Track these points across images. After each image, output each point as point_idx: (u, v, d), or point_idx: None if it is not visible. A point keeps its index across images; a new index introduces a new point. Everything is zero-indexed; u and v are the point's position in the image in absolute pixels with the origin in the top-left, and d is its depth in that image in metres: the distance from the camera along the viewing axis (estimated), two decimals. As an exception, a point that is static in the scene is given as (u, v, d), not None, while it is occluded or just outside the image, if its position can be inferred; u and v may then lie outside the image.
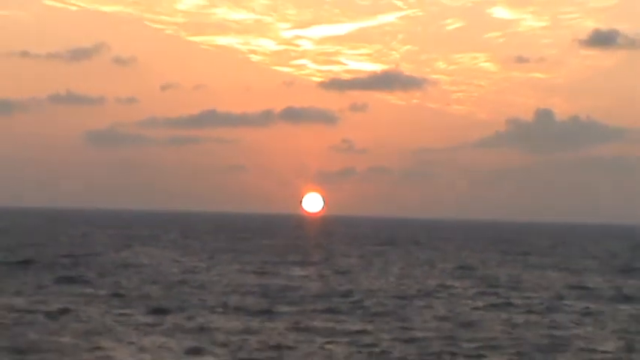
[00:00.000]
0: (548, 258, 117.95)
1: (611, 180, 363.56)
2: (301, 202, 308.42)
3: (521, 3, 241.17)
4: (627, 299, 62.96)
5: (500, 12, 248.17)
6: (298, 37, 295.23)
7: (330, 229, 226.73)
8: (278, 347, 37.86)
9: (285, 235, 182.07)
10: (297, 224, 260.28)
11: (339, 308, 53.05)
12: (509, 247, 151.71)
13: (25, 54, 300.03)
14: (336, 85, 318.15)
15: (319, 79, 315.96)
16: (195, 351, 36.49)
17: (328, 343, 39.54)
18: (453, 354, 37.70)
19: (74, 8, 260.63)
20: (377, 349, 38.26)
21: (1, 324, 42.09)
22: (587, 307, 56.81)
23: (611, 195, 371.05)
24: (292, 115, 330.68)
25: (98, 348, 36.30)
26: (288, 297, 58.48)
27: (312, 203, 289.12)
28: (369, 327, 45.27)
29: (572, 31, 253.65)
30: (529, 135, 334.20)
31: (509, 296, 62.58)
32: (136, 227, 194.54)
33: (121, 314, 46.91)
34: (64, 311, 47.03)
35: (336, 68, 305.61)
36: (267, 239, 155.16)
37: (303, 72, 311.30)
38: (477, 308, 54.80)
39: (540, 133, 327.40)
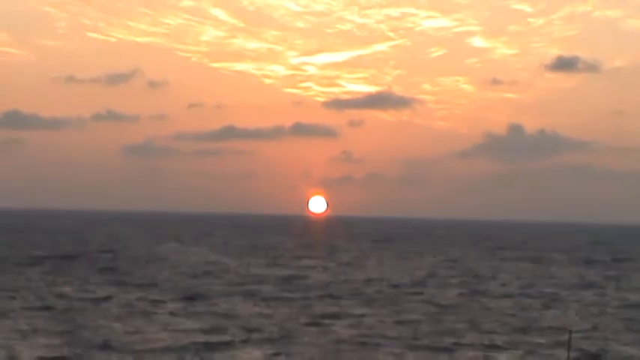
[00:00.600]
0: (521, 251, 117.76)
1: (573, 185, 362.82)
2: (308, 204, 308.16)
3: (495, 34, 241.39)
4: (589, 286, 63.03)
5: (477, 41, 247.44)
6: (304, 63, 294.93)
7: (333, 228, 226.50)
8: (290, 329, 37.92)
9: (295, 233, 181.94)
10: (304, 224, 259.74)
11: (342, 295, 53.06)
12: (487, 242, 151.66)
13: (71, 79, 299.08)
14: (337, 104, 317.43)
15: (322, 99, 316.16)
16: (220, 332, 36.55)
17: (332, 325, 39.48)
18: (440, 333, 37.81)
19: (113, 39, 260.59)
20: (375, 330, 38.38)
21: (54, 310, 42.22)
22: (555, 293, 56.94)
23: (573, 197, 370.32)
24: (300, 130, 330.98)
25: (137, 330, 36.41)
26: (299, 285, 58.62)
27: (318, 205, 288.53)
28: (368, 311, 45.23)
29: (539, 58, 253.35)
30: (503, 146, 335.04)
31: (487, 284, 62.70)
32: (166, 226, 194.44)
33: (154, 300, 46.96)
34: (107, 298, 47.15)
35: (336, 90, 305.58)
36: (279, 236, 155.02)
37: (308, 93, 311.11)
38: (460, 294, 54.89)
39: (512, 144, 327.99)
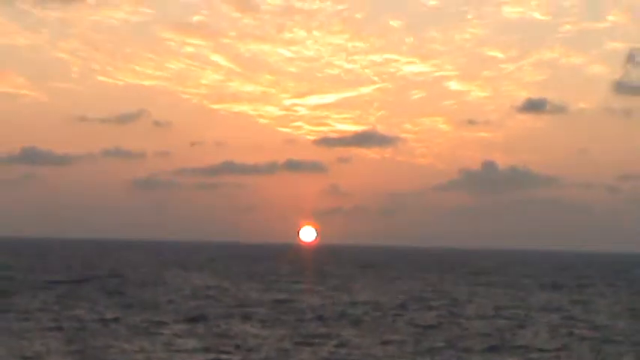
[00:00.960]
0: (494, 277, 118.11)
1: (541, 216, 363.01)
2: (299, 233, 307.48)
3: (470, 78, 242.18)
4: (557, 309, 63.15)
5: (454, 85, 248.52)
6: (296, 104, 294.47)
7: (322, 255, 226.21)
8: (284, 348, 37.85)
9: (288, 260, 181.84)
10: (296, 251, 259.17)
11: (331, 317, 52.99)
12: (462, 268, 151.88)
13: (82, 118, 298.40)
14: (326, 142, 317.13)
15: (313, 138, 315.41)
16: (219, 352, 36.46)
17: (323, 344, 39.42)
18: (422, 352, 37.81)
19: (121, 83, 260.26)
20: (362, 350, 38.34)
21: (67, 330, 42.10)
22: (526, 315, 57.00)
23: (541, 227, 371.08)
24: (292, 166, 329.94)
25: (142, 350, 36.34)
26: (291, 308, 58.52)
27: (308, 234, 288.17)
28: (355, 331, 45.21)
29: (510, 100, 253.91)
30: (477, 181, 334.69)
31: (464, 306, 62.77)
32: (169, 254, 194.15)
33: (159, 322, 46.80)
34: (115, 320, 46.92)
35: (325, 129, 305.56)
36: (274, 263, 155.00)
37: (300, 132, 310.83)
38: (439, 316, 54.90)
39: (486, 179, 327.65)
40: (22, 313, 49.70)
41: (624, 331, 48.82)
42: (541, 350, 40.24)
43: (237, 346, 38.17)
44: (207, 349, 36.68)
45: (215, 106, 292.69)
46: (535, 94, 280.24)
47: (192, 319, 48.61)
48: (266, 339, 40.84)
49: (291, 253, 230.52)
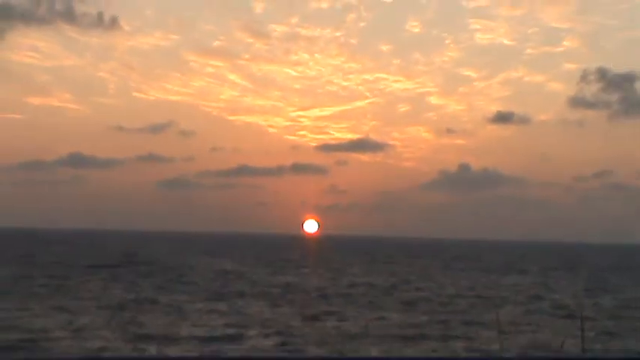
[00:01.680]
0: (470, 262, 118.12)
1: (508, 210, 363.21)
2: (303, 225, 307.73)
3: (447, 94, 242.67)
4: (523, 290, 63.08)
5: (434, 100, 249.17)
6: (300, 116, 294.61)
7: (323, 244, 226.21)
8: (293, 324, 37.98)
9: (294, 248, 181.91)
10: (300, 241, 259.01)
11: (332, 296, 53.16)
12: (443, 255, 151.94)
13: (120, 128, 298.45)
14: (326, 148, 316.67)
15: (315, 144, 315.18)
16: (237, 326, 36.54)
17: (326, 320, 39.57)
18: (408, 325, 37.90)
19: (152, 98, 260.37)
20: (358, 323, 38.38)
21: (109, 308, 42.01)
22: (498, 295, 56.87)
23: (509, 220, 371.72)
24: (297, 168, 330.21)
25: (173, 324, 36.44)
26: (298, 289, 58.81)
27: (311, 226, 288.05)
28: (353, 308, 45.35)
29: (481, 112, 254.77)
30: (454, 181, 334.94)
31: (444, 287, 62.84)
32: (194, 243, 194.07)
33: (187, 301, 46.81)
34: (150, 299, 46.99)
35: (325, 137, 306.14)
36: (282, 250, 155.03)
37: (304, 139, 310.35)
38: (423, 295, 54.83)
39: (462, 179, 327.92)
40: (73, 292, 49.92)
41: (581, 307, 48.92)
42: (512, 323, 40.35)
43: (254, 322, 38.32)
44: (227, 325, 36.81)
45: (231, 118, 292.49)
46: (503, 108, 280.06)
47: (215, 299, 48.83)
48: (277, 316, 41.08)
49: (297, 242, 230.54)
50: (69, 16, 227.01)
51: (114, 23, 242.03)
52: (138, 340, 31.20)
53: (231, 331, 34.69)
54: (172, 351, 29.32)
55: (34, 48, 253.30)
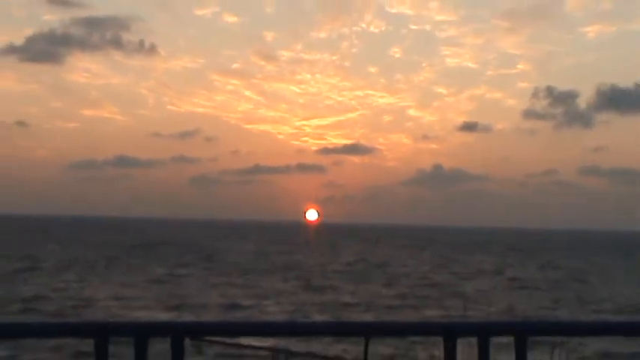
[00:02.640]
0: (442, 245, 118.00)
1: (475, 202, 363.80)
2: (305, 214, 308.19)
3: (423, 107, 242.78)
4: (488, 267, 63.07)
5: (412, 112, 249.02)
6: (304, 125, 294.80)
7: (322, 230, 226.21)
8: (300, 295, 37.88)
9: (299, 232, 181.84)
10: (303, 227, 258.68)
11: (331, 271, 53.29)
12: (418, 241, 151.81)
13: (157, 134, 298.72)
14: (325, 151, 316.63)
15: (315, 148, 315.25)
16: (257, 298, 36.49)
17: (326, 292, 39.45)
18: (394, 296, 37.92)
19: (183, 110, 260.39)
20: (355, 295, 38.40)
21: (151, 282, 42.08)
22: (467, 271, 56.48)
23: (475, 210, 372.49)
24: (301, 168, 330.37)
25: (201, 294, 36.42)
26: (303, 266, 58.64)
27: (312, 215, 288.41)
28: (350, 282, 45.24)
29: (451, 123, 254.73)
30: (430, 178, 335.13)
31: (424, 264, 62.67)
32: (217, 229, 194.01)
33: (215, 275, 46.94)
34: (183, 275, 46.85)
35: (324, 142, 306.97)
36: (290, 233, 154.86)
37: (306, 144, 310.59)
38: (407, 271, 54.90)
39: (436, 177, 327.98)
40: (120, 268, 49.98)
41: (536, 280, 48.93)
42: (479, 291, 40.33)
43: (268, 291, 38.31)
44: (246, 296, 36.64)
45: (247, 126, 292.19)
46: (469, 119, 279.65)
47: (238, 274, 48.84)
48: (287, 289, 41.01)
49: (301, 228, 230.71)
50: (116, 43, 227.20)
51: (152, 49, 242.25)
52: (174, 308, 31.28)
53: (251, 302, 34.49)
54: (203, 317, 29.44)
55: (87, 69, 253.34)
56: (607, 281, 50.26)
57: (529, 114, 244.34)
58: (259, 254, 73.13)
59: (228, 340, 3.28)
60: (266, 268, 54.10)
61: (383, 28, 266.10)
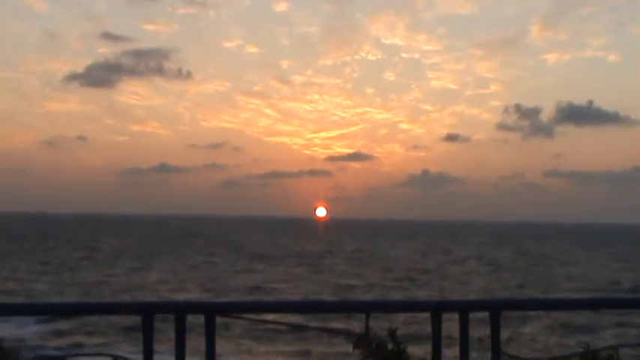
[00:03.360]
0: (429, 237, 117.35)
1: (457, 201, 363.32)
2: (315, 211, 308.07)
3: (413, 121, 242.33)
4: (470, 254, 62.68)
5: (404, 126, 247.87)
6: (313, 137, 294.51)
7: (331, 224, 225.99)
8: (309, 276, 37.74)
9: (312, 227, 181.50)
10: (313, 222, 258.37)
11: (337, 256, 53.11)
12: (412, 231, 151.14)
13: (193, 146, 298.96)
14: (332, 159, 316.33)
15: (323, 156, 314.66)
16: (270, 281, 36.35)
17: (333, 273, 39.39)
18: (384, 276, 37.74)
19: (213, 125, 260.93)
20: (351, 273, 38.14)
21: (188, 267, 41.84)
22: (451, 258, 56.21)
23: (456, 207, 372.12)
24: (312, 173, 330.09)
25: (225, 277, 36.28)
26: (314, 254, 58.23)
27: (321, 212, 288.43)
28: (351, 264, 45.09)
29: (437, 134, 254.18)
30: (419, 182, 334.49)
31: (416, 250, 62.35)
32: (240, 225, 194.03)
33: (236, 261, 46.69)
34: (211, 262, 46.47)
35: (331, 151, 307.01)
36: (302, 226, 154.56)
37: (316, 153, 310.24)
38: (395, 257, 54.62)
39: (424, 180, 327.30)
40: (163, 255, 49.80)
41: (506, 264, 48.36)
42: (462, 273, 39.93)
43: (282, 274, 38.18)
44: (270, 280, 36.40)
45: (267, 139, 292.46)
46: (451, 131, 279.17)
47: (256, 261, 48.57)
48: (299, 273, 40.83)
49: (312, 223, 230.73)
50: (159, 70, 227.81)
51: (189, 75, 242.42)
52: (205, 291, 31.21)
53: (266, 283, 34.30)
54: (232, 297, 29.31)
55: (135, 92, 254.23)
56: (566, 264, 49.92)
57: (501, 126, 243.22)
58: (278, 245, 72.92)
59: (252, 316, 3.29)
60: (284, 255, 53.86)
61: (379, 57, 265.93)
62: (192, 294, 29.85)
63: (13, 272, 36.26)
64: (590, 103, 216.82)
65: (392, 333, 3.01)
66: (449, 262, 51.04)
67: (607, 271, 43.58)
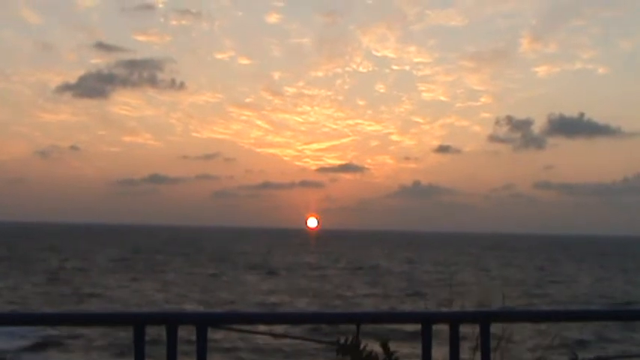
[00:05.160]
0: (424, 248, 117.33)
1: (447, 212, 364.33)
2: (307, 222, 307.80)
3: (404, 132, 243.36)
4: (456, 262, 62.62)
5: (394, 137, 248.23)
6: (305, 149, 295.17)
7: (322, 235, 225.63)
8: (302, 284, 37.66)
9: (304, 237, 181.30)
10: (304, 233, 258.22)
11: (328, 267, 53.05)
12: (404, 242, 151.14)
13: (185, 157, 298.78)
14: (323, 170, 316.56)
15: (315, 168, 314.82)
16: (277, 293, 36.17)
17: (325, 281, 39.30)
18: (373, 281, 37.65)
19: (205, 136, 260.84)
20: (340, 280, 38.00)
21: (192, 281, 41.64)
22: (440, 269, 56.41)
23: (446, 219, 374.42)
24: (303, 184, 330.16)
25: (230, 288, 36.03)
26: (304, 265, 58.38)
27: (312, 223, 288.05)
28: (343, 272, 44.92)
29: (428, 146, 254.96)
30: (409, 193, 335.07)
31: (410, 261, 62.41)
32: (237, 235, 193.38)
33: (237, 273, 46.41)
34: (212, 274, 45.27)
35: (322, 163, 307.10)
36: (295, 238, 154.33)
37: (307, 164, 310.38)
38: (386, 265, 54.44)
39: (415, 191, 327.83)
40: (162, 267, 49.67)
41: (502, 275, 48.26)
42: (461, 284, 39.65)
43: (290, 290, 38.00)
44: (270, 291, 36.45)
45: (258, 150, 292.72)
46: (442, 142, 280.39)
47: (266, 272, 47.49)
48: (295, 283, 40.76)
49: (304, 233, 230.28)
50: (152, 81, 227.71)
51: (181, 86, 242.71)
52: (205, 304, 31.03)
53: (282, 298, 33.63)
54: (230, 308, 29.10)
55: (127, 103, 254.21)
56: (558, 274, 49.97)
57: (493, 138, 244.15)
58: (276, 257, 72.62)
59: (244, 327, 3.28)
60: (282, 267, 53.52)
61: (370, 69, 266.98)
62: (189, 305, 29.50)
63: (4, 282, 35.89)
64: (582, 115, 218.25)
65: (384, 345, 3.00)
66: (444, 269, 50.78)
67: (607, 283, 43.49)
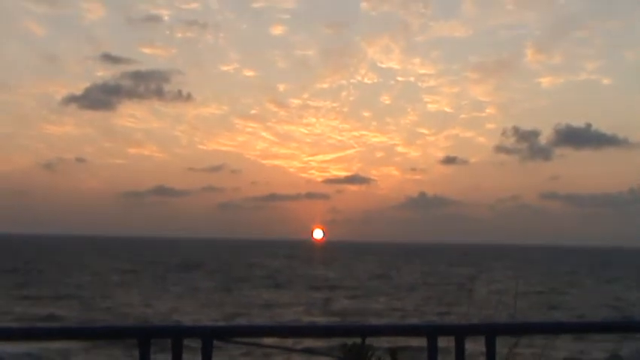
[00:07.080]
0: (427, 258, 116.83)
1: (452, 224, 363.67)
2: (313, 233, 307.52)
3: (409, 144, 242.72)
4: (461, 274, 62.45)
5: (400, 148, 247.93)
6: (310, 160, 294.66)
7: (327, 246, 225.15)
8: (308, 303, 37.51)
9: (310, 249, 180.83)
10: (311, 244, 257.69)
11: (332, 280, 52.71)
12: (405, 253, 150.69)
13: (190, 169, 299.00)
14: (329, 182, 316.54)
15: (320, 179, 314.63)
16: (280, 307, 35.99)
17: (330, 291, 39.09)
18: (375, 290, 37.42)
19: (211, 149, 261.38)
20: (350, 292, 37.86)
21: (188, 294, 41.41)
22: (434, 281, 56.38)
23: (452, 229, 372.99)
24: (309, 196, 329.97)
25: (229, 299, 35.89)
26: (310, 276, 58.26)
27: (318, 234, 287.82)
28: (347, 280, 44.82)
29: (434, 157, 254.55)
30: (415, 204, 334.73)
31: (412, 272, 62.14)
32: (239, 247, 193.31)
33: (237, 284, 46.33)
34: (227, 289, 44.60)
35: (328, 174, 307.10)
36: (300, 250, 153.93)
37: (313, 176, 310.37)
38: (385, 274, 54.21)
39: (421, 203, 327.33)
40: (167, 282, 49.62)
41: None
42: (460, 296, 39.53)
43: (291, 299, 37.87)
44: (274, 301, 36.13)
45: (264, 162, 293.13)
46: (448, 154, 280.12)
47: (273, 286, 46.80)
48: (315, 296, 40.70)
49: (310, 245, 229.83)
50: (159, 93, 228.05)
51: (188, 97, 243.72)
52: (210, 312, 30.94)
53: (290, 317, 32.67)
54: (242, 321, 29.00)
55: (133, 115, 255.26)
56: (567, 285, 49.63)
57: (499, 149, 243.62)
58: (285, 270, 72.37)
59: (250, 340, 3.28)
60: (292, 281, 53.05)
61: (375, 80, 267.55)
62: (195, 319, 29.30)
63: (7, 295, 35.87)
64: (589, 125, 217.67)
65: (393, 353, 3.01)
66: (450, 282, 50.40)
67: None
